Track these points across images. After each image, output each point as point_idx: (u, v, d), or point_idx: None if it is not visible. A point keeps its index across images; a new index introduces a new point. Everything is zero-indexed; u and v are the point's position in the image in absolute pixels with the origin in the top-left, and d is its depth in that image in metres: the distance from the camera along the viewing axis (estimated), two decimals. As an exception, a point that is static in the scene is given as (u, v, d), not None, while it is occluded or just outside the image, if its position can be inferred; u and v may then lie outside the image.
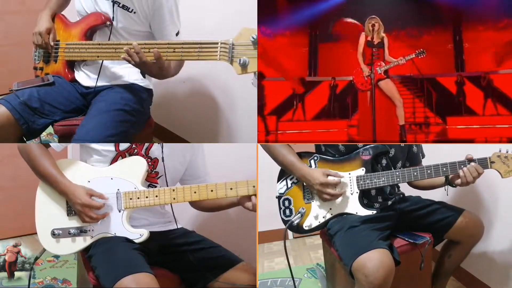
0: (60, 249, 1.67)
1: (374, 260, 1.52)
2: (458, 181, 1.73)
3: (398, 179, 1.77)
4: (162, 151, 1.76)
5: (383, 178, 1.78)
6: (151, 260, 1.66)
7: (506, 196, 2.06)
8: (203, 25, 2.40)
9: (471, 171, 1.69)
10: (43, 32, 1.93)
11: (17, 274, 2.40)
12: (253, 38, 1.53)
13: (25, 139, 1.91)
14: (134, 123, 1.93)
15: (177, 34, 1.95)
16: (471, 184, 1.71)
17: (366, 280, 1.51)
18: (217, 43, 1.60)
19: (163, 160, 1.76)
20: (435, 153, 2.11)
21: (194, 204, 1.89)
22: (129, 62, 1.75)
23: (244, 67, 1.56)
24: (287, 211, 1.88)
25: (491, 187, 2.13)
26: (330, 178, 1.78)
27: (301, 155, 1.88)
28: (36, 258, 1.79)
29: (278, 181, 1.92)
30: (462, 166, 1.70)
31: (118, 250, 1.61)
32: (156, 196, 1.67)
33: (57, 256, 2.50)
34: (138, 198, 1.67)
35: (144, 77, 2.05)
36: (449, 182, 1.78)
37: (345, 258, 1.63)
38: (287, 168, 1.86)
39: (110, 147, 1.73)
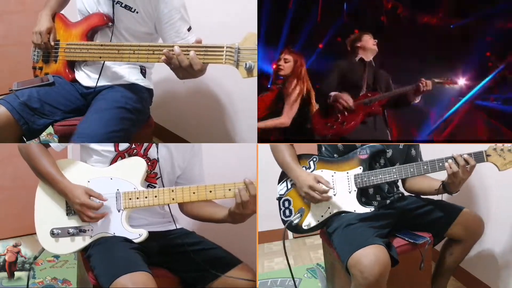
0: (59, 248, 1.67)
1: (369, 256, 1.53)
2: (446, 178, 1.70)
3: (395, 176, 1.77)
4: (157, 152, 1.77)
5: (380, 175, 1.78)
6: (150, 260, 1.66)
7: (505, 195, 2.05)
8: (202, 27, 2.40)
9: (458, 160, 1.65)
10: (43, 32, 1.93)
11: (17, 274, 2.40)
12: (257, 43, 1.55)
13: (25, 139, 1.91)
14: (135, 121, 1.93)
15: (189, 30, 1.93)
16: (470, 185, 1.70)
17: (361, 276, 1.51)
18: (222, 47, 1.60)
19: (158, 161, 1.76)
20: (435, 154, 2.11)
21: (185, 210, 1.86)
22: (168, 65, 1.67)
23: (250, 71, 1.57)
24: (287, 212, 1.88)
25: (490, 186, 2.14)
26: (320, 185, 1.77)
27: (301, 157, 1.89)
28: (35, 258, 1.79)
29: (278, 182, 1.93)
30: None
31: (115, 249, 1.61)
32: (155, 196, 1.67)
33: (57, 256, 2.50)
34: (138, 198, 1.67)
35: (145, 77, 2.05)
36: (444, 187, 1.75)
37: (342, 255, 1.64)
38: (283, 168, 1.88)
39: (110, 147, 1.73)
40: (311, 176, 1.79)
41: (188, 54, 1.62)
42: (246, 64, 1.57)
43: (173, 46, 1.64)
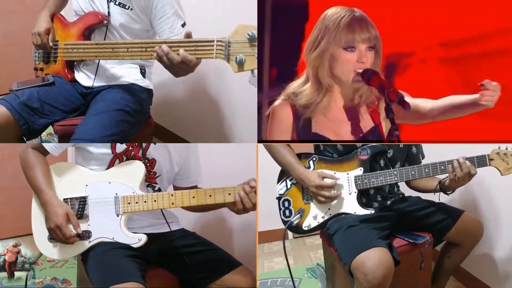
0: (57, 253, 1.64)
1: (373, 259, 1.52)
2: (447, 180, 1.71)
3: (396, 178, 1.76)
4: (156, 151, 1.77)
5: (380, 178, 1.78)
6: (151, 262, 1.66)
7: (505, 195, 2.05)
8: (202, 27, 2.40)
9: (463, 167, 1.64)
10: (41, 33, 1.93)
11: (17, 274, 2.40)
12: (249, 35, 1.50)
13: (25, 139, 1.91)
14: (133, 123, 1.93)
15: (183, 26, 1.92)
16: (470, 185, 1.69)
17: (365, 279, 1.51)
18: (213, 41, 1.57)
19: (157, 160, 1.76)
20: (435, 153, 2.11)
21: None
22: (160, 62, 1.66)
23: (240, 65, 1.53)
24: (287, 212, 1.88)
25: (490, 186, 2.13)
26: (326, 180, 1.77)
27: (301, 156, 1.88)
28: (33, 263, 1.77)
29: (278, 182, 1.92)
30: None
31: (109, 257, 1.59)
32: (155, 200, 1.65)
33: (57, 257, 2.50)
34: (137, 202, 1.65)
35: (144, 77, 2.05)
36: (441, 187, 1.76)
37: (344, 257, 1.63)
38: (286, 168, 1.86)
39: (107, 149, 1.71)
40: (314, 174, 1.78)
41: (178, 51, 1.59)
42: (236, 58, 1.51)
43: (163, 43, 1.63)
